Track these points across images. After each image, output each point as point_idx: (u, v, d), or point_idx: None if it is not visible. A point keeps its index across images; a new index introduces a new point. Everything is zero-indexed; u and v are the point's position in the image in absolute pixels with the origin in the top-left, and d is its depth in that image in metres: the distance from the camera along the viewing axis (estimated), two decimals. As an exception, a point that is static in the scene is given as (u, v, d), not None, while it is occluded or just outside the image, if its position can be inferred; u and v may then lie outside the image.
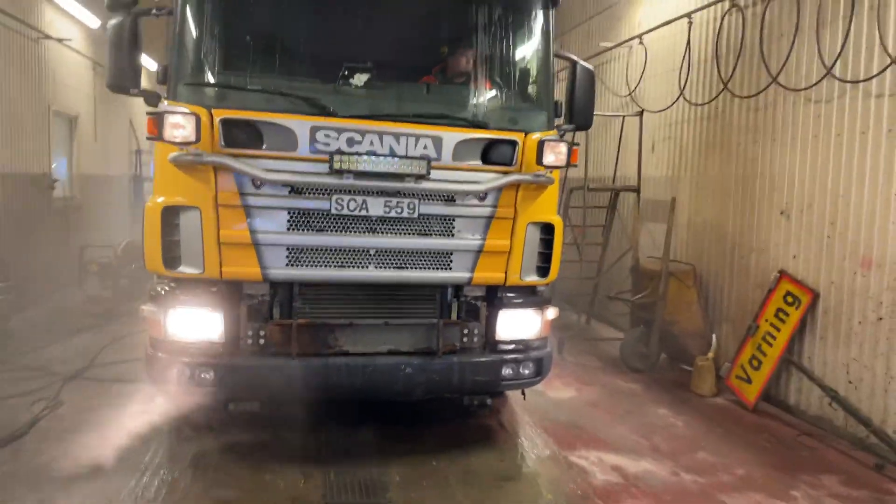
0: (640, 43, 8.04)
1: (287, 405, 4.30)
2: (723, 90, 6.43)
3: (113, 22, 3.57)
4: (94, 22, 10.25)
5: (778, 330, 5.73)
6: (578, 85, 4.24)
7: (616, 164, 8.18)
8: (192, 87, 3.64)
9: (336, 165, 3.62)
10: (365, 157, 3.70)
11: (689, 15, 7.01)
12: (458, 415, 4.96)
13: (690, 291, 6.72)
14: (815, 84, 5.34)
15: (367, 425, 4.78)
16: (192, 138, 3.39)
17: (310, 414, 4.45)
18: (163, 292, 3.80)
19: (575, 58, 4.28)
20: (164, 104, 3.62)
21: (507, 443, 4.80)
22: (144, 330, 3.99)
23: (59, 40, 9.56)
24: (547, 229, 4.23)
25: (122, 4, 3.61)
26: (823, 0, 5.29)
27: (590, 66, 4.33)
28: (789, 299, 5.65)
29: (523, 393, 4.75)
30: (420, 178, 3.80)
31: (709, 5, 6.77)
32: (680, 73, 7.10)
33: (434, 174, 3.83)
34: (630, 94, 8.25)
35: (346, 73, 4.06)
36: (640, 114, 7.51)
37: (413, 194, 3.88)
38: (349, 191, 3.79)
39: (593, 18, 9.64)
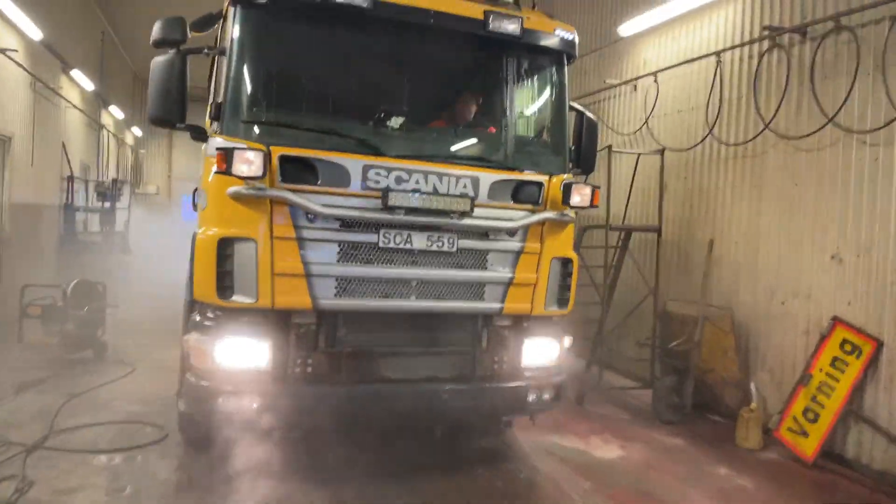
0: (655, 81, 7.92)
1: (328, 433, 4.37)
2: (763, 130, 6.31)
3: (160, 58, 3.85)
4: (35, 33, 9.30)
5: (836, 380, 5.47)
6: (585, 133, 4.71)
7: (627, 203, 7.74)
8: (250, 124, 3.91)
9: (392, 202, 3.85)
10: (417, 195, 3.94)
11: (717, 53, 6.94)
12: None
13: (727, 337, 6.44)
14: (883, 127, 5.17)
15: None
16: (259, 173, 3.63)
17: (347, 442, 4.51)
18: (210, 322, 3.92)
19: (583, 109, 4.73)
20: (217, 140, 3.86)
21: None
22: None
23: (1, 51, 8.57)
24: (566, 264, 4.50)
25: (169, 42, 3.90)
26: (888, 40, 5.15)
27: (594, 117, 4.81)
28: (847, 347, 5.42)
29: (532, 419, 4.84)
30: (463, 214, 4.02)
31: (743, 44, 6.69)
32: (707, 112, 7.02)
33: (474, 211, 4.09)
34: (636, 132, 8.24)
35: (391, 116, 4.44)
36: (662, 152, 7.33)
37: (453, 229, 4.11)
38: (396, 225, 4.01)
39: (588, 56, 9.48)
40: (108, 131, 16.96)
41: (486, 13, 4.17)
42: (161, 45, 3.98)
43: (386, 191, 3.90)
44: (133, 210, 16.60)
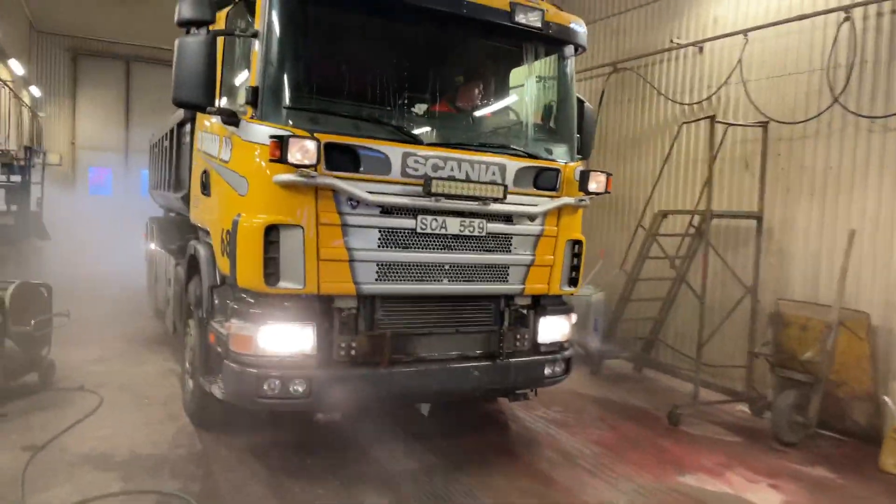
0: (745, 39, 6.91)
1: (369, 412, 4.54)
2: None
3: (188, 39, 3.74)
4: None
5: None
6: (586, 121, 5.09)
7: (709, 186, 6.37)
8: (293, 111, 3.91)
9: (434, 189, 4.01)
10: (458, 182, 4.14)
11: (845, 9, 6.02)
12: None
13: (862, 345, 5.71)
14: None
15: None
16: (314, 161, 3.67)
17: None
18: (253, 308, 3.96)
19: (582, 97, 5.06)
20: (252, 125, 3.87)
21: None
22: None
23: None
24: (577, 245, 4.88)
25: (197, 22, 3.80)
26: None
27: (591, 105, 5.17)
28: None
29: (535, 392, 5.17)
30: (496, 200, 4.25)
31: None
32: (828, 76, 6.13)
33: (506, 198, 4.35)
34: (702, 102, 7.47)
35: (420, 102, 4.61)
36: (765, 125, 6.51)
37: (483, 215, 4.35)
38: (433, 211, 4.19)
39: (626, 14, 8.64)
40: (9, 88, 14.87)
41: (513, 4, 4.37)
42: (188, 24, 3.88)
43: (427, 178, 4.06)
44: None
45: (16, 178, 11.68)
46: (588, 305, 7.84)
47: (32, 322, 5.43)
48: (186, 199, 5.89)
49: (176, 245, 6.85)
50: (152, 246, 8.67)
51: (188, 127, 6.05)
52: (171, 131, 7.17)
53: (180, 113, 6.58)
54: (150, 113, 17.94)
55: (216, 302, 4.46)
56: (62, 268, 11.49)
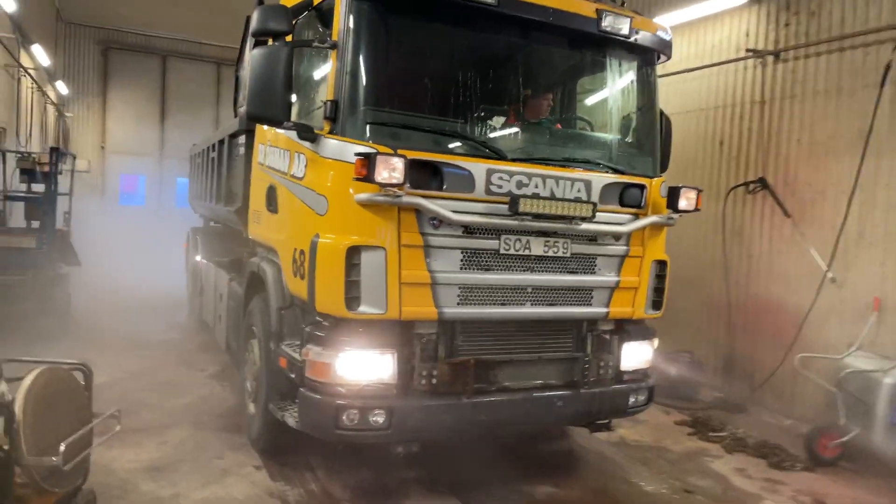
0: None
1: (450, 444, 4.31)
2: None
3: (263, 50, 3.60)
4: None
5: None
6: (665, 133, 4.83)
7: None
8: (376, 126, 3.71)
9: (522, 208, 3.77)
10: (545, 200, 3.90)
11: None
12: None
13: None
14: None
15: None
16: (401, 180, 3.46)
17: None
18: (331, 334, 3.75)
19: (662, 109, 4.80)
20: (332, 141, 3.69)
21: None
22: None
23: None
24: (662, 266, 4.59)
25: (272, 32, 3.66)
26: None
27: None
28: None
29: (610, 427, 4.85)
30: (584, 219, 4.00)
31: None
32: None
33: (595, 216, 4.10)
34: None
35: (504, 116, 4.40)
36: None
37: (568, 234, 4.10)
38: (516, 231, 3.95)
39: None
40: (31, 78, 12.87)
41: (599, 12, 4.13)
42: (263, 35, 3.76)
43: (514, 196, 3.82)
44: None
45: (38, 188, 9.08)
46: (877, 387, 5.13)
47: (62, 448, 2.92)
48: (240, 213, 5.73)
49: (228, 259, 6.70)
50: (197, 258, 8.54)
51: (242, 139, 5.88)
52: (221, 142, 7.02)
53: (233, 123, 6.43)
54: (187, 113, 16.93)
55: (286, 324, 4.26)
56: (93, 299, 9.90)
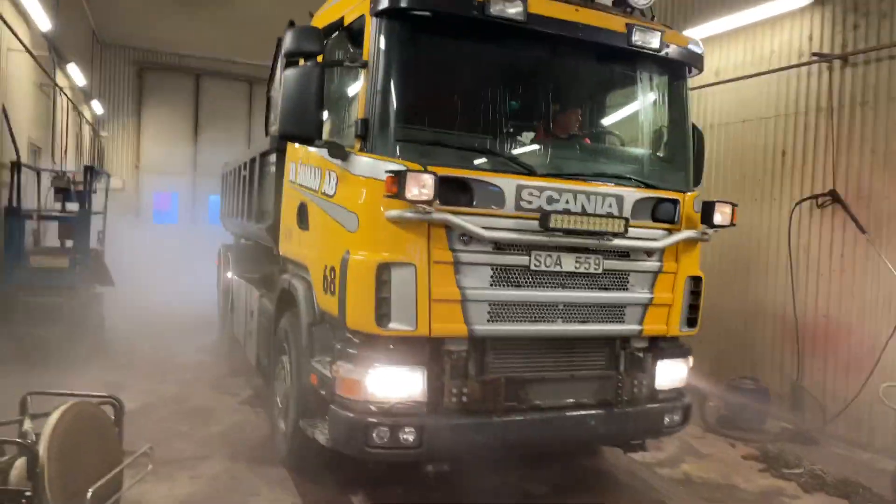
0: None
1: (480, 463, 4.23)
2: None
3: (295, 70, 3.67)
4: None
5: None
6: (696, 147, 4.73)
7: None
8: (406, 144, 3.73)
9: (553, 224, 3.74)
10: (577, 216, 3.86)
11: None
12: None
13: None
14: None
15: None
16: (431, 197, 3.47)
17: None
18: (361, 350, 3.75)
19: (694, 122, 4.73)
20: (363, 159, 3.72)
21: None
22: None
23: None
24: (697, 282, 4.50)
25: (305, 53, 3.73)
26: None
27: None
28: None
29: (644, 447, 4.68)
30: (616, 235, 3.95)
31: None
32: None
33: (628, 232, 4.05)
34: None
35: (533, 131, 4.41)
36: None
37: (599, 250, 4.04)
38: (547, 247, 3.91)
39: None
40: (66, 97, 13.23)
41: (629, 26, 4.10)
42: (296, 56, 3.84)
43: (545, 212, 3.80)
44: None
45: (73, 207, 9.08)
46: None
47: (89, 494, 2.75)
48: (271, 230, 5.80)
49: (258, 275, 6.76)
50: (228, 274, 8.66)
51: (273, 157, 5.98)
52: (253, 161, 7.14)
53: (264, 142, 6.55)
54: (220, 131, 17.16)
55: (316, 341, 4.27)
56: (126, 318, 9.76)
